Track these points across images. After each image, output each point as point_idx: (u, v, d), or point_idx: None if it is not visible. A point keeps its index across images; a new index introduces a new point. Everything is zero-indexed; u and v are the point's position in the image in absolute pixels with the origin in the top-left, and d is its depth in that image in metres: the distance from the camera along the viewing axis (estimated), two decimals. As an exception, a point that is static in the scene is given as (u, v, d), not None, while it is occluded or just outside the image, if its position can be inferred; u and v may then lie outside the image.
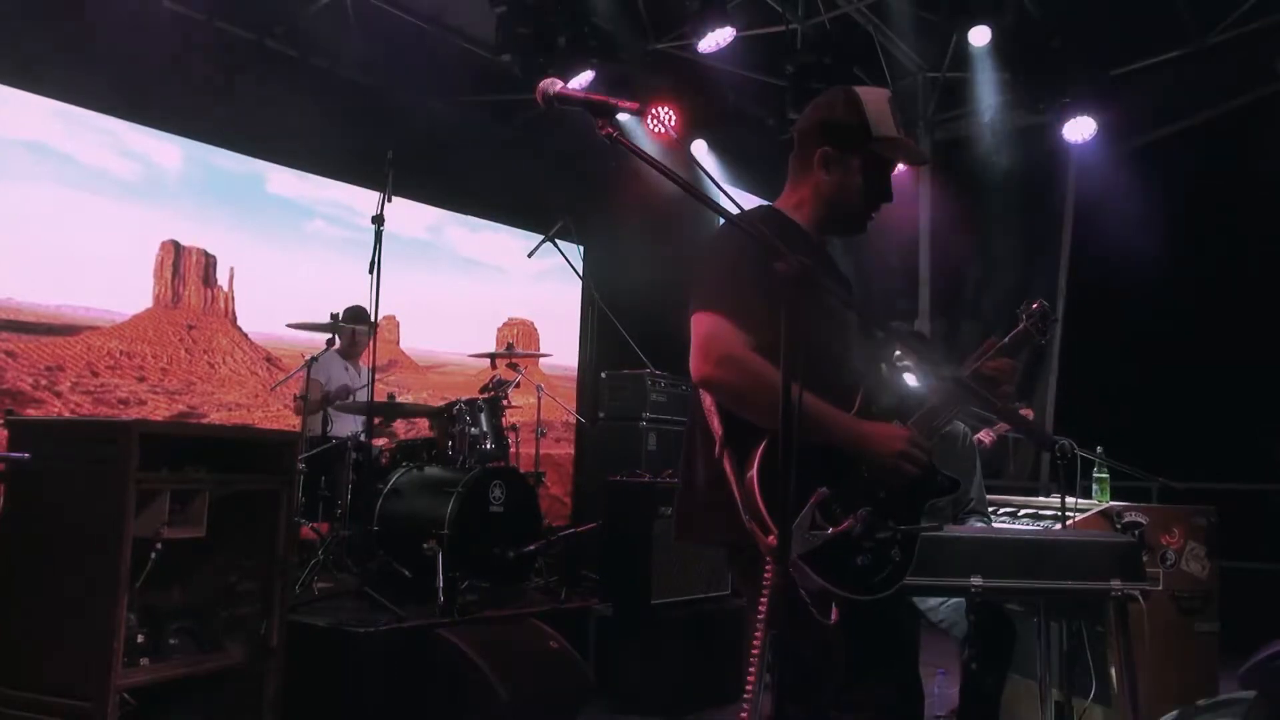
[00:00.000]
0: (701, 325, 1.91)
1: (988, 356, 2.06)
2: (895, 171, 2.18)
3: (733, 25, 5.85)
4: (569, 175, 7.18)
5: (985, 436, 4.26)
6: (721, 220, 1.81)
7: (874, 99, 2.08)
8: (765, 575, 1.78)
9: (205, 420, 6.02)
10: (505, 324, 8.03)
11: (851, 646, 1.87)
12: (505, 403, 5.11)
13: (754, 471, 1.81)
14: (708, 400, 1.95)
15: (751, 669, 1.82)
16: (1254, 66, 6.14)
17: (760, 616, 1.78)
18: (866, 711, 1.90)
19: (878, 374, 2.10)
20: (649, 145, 6.96)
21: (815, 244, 2.11)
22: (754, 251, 1.91)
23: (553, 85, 1.77)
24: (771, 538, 1.76)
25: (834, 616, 1.80)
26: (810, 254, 2.04)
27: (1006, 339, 2.09)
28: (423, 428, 5.81)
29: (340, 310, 5.05)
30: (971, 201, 7.15)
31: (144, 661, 2.86)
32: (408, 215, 7.00)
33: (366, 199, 5.68)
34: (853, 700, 1.90)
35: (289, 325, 5.09)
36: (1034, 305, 2.12)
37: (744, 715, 1.83)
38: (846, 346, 2.03)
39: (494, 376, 5.30)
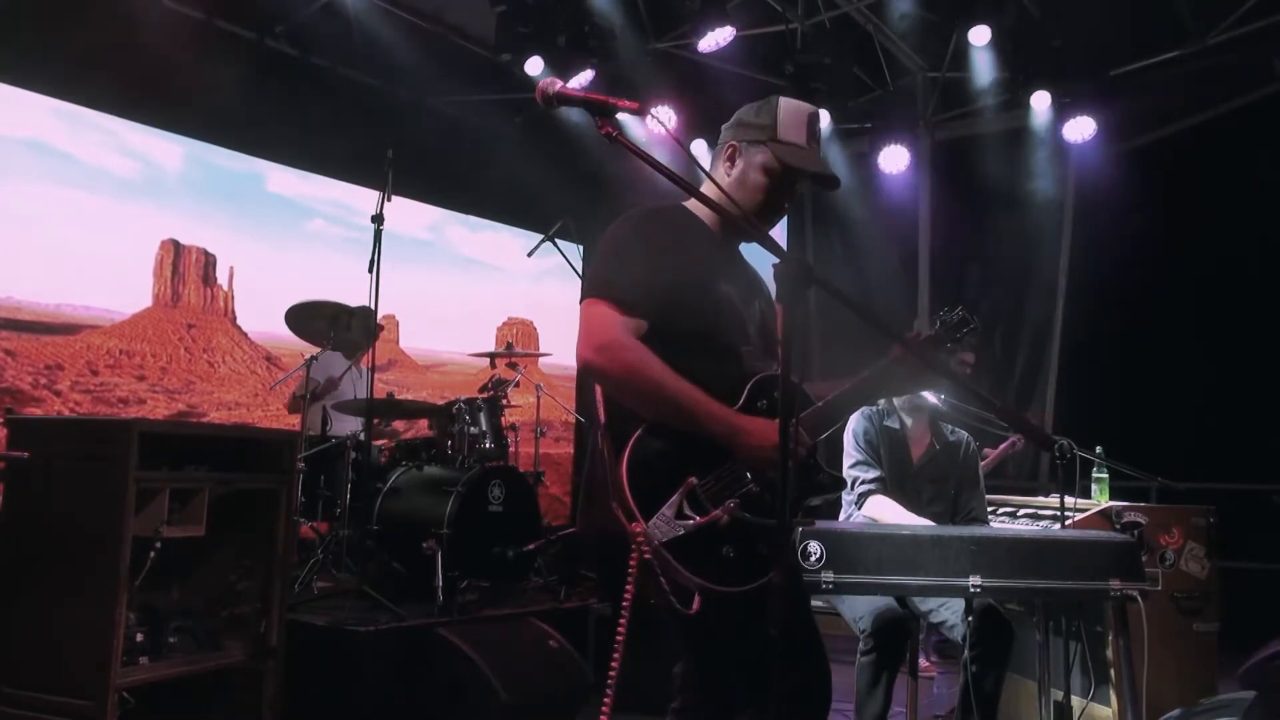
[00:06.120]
0: (586, 312, 1.92)
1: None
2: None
3: (733, 25, 5.83)
4: (569, 175, 7.17)
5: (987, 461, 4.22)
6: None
7: (792, 108, 2.12)
8: (630, 563, 1.78)
9: (205, 419, 6.02)
10: (505, 323, 8.04)
11: (728, 639, 1.87)
12: (505, 402, 5.10)
13: (625, 456, 1.81)
14: (598, 390, 1.96)
15: (615, 656, 1.81)
16: (1254, 66, 6.13)
17: (626, 604, 1.78)
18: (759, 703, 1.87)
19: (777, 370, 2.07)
20: (649, 145, 6.96)
21: (719, 241, 2.10)
22: (656, 236, 1.95)
23: (553, 84, 1.78)
24: (635, 524, 1.77)
25: (695, 607, 1.79)
26: (713, 251, 2.06)
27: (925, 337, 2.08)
28: (422, 427, 5.81)
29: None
30: (971, 201, 7.13)
31: (143, 660, 2.86)
32: (408, 215, 7.00)
33: (366, 198, 5.68)
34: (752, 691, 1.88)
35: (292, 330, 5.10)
36: (956, 311, 2.11)
37: (606, 702, 1.83)
38: (739, 340, 2.03)
39: (493, 376, 5.30)
